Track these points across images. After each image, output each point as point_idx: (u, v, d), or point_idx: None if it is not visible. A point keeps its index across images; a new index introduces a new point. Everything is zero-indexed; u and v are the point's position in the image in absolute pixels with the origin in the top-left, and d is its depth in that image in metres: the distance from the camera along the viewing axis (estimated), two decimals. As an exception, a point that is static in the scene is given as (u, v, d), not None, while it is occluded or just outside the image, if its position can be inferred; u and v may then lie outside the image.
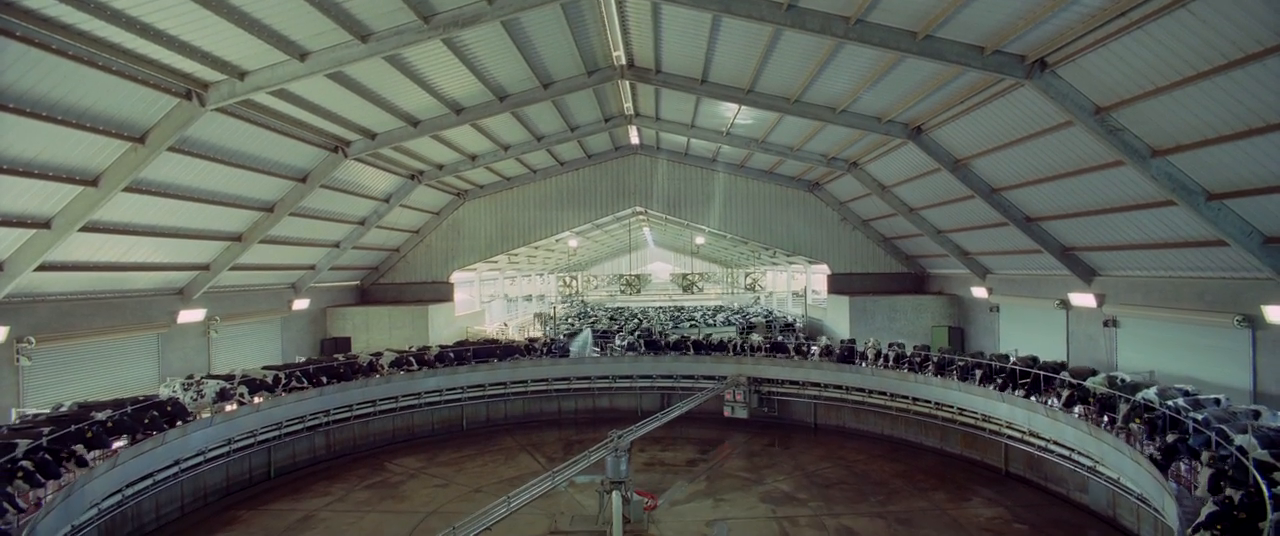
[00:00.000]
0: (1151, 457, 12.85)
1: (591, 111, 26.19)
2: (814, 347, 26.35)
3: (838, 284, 33.98)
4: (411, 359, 25.60)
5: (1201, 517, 9.52)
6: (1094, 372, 17.37)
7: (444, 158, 27.07)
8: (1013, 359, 20.11)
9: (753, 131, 26.32)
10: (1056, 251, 20.74)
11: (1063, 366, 18.64)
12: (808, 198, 33.74)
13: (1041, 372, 18.18)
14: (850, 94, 19.03)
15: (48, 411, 15.58)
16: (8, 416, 15.99)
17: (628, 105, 26.20)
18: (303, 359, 24.84)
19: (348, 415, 23.36)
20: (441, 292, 34.65)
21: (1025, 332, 25.11)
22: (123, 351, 20.16)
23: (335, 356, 25.01)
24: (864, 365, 24.36)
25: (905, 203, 26.96)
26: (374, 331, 31.13)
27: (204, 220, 19.82)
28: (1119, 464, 14.41)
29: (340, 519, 17.22)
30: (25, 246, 15.09)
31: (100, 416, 14.86)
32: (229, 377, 19.90)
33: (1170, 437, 12.60)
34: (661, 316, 42.96)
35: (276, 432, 20.76)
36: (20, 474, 12.06)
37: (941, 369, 21.73)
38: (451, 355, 26.70)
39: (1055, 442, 17.37)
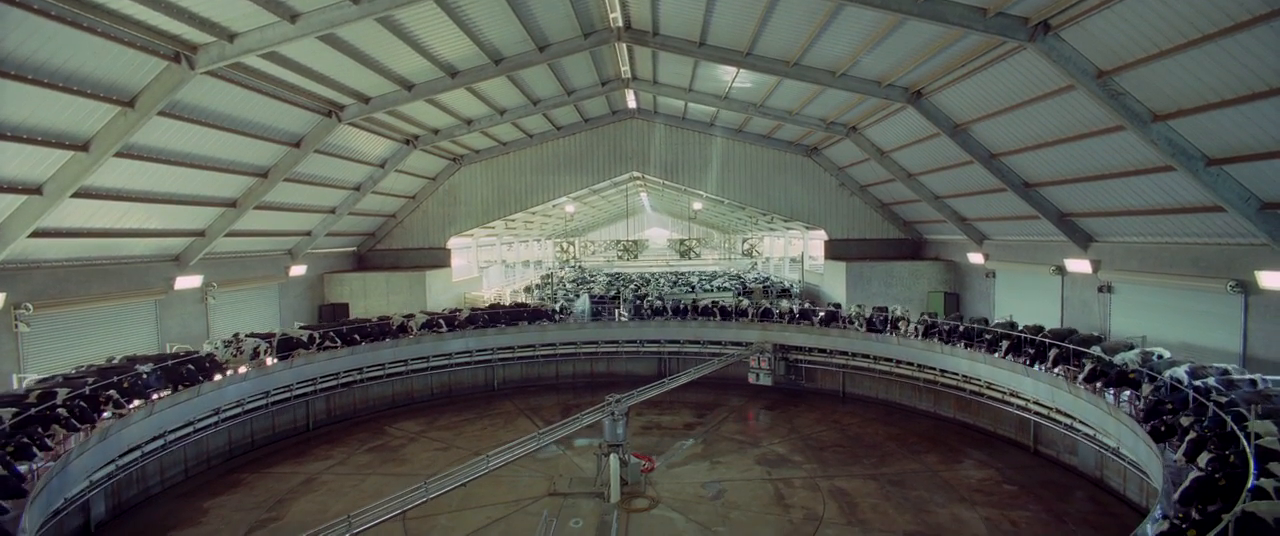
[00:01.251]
0: (1155, 429, 12.26)
1: (588, 75, 25.81)
2: (849, 314, 25.39)
3: (835, 250, 34.02)
4: (441, 321, 26.25)
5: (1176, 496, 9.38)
6: (1129, 347, 16.20)
7: (439, 122, 26.76)
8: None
9: (751, 95, 26.00)
10: (1054, 217, 20.73)
11: (1097, 340, 17.60)
12: (805, 163, 33.53)
13: (1075, 348, 16.82)
14: (850, 57, 18.75)
15: (102, 363, 17.01)
16: (9, 382, 16.09)
17: (625, 68, 25.81)
18: (301, 324, 24.96)
19: (380, 373, 24.50)
20: (438, 258, 34.64)
21: (1020, 298, 25.26)
22: (121, 317, 20.20)
23: (367, 319, 26.34)
24: (893, 335, 23.45)
25: (904, 168, 26.81)
26: (372, 297, 31.20)
27: (198, 186, 19.67)
28: (1134, 446, 13.77)
29: (342, 481, 17.50)
30: (17, 212, 14.98)
31: (144, 369, 16.18)
32: (268, 336, 21.27)
33: (1186, 420, 11.70)
34: (660, 282, 43.00)
35: (312, 388, 22.11)
36: (57, 418, 12.96)
37: (969, 339, 20.67)
38: (483, 318, 27.45)
39: (1080, 421, 16.54)
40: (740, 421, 22.57)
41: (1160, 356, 15.18)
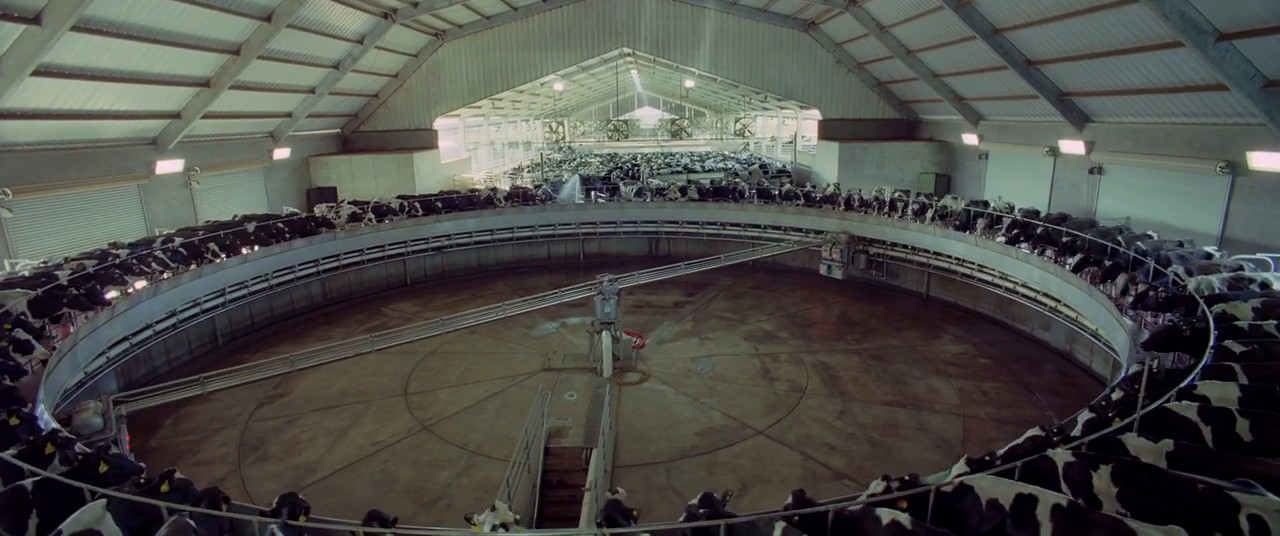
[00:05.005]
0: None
1: (574, -61, 24.07)
2: (929, 207, 21.99)
3: (828, 130, 33.48)
4: (521, 194, 28.06)
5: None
6: (1236, 268, 12.95)
7: (416, -7, 25.21)
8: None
9: (748, -37, 24.48)
10: (1053, 97, 20.30)
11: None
12: (802, 38, 32.19)
13: (1157, 267, 13.27)
14: (855, -80, 17.49)
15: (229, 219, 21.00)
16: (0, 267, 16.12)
17: (613, -68, 24.06)
18: (289, 209, 24.82)
19: (467, 241, 26.78)
20: (425, 140, 33.85)
21: (1011, 180, 25.28)
22: (104, 202, 19.94)
23: (455, 191, 29.03)
24: (971, 234, 20.04)
25: (903, 44, 25.84)
26: (359, 180, 30.77)
27: (167, 64, 18.73)
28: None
29: (342, 360, 18.03)
30: (-21, 93, 14.33)
31: (250, 226, 20.02)
32: (364, 204, 24.37)
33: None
34: (648, 165, 42.50)
35: (402, 249, 25.06)
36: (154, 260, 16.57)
37: (1053, 242, 16.96)
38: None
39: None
40: (729, 299, 23.16)
41: (1262, 285, 11.68)
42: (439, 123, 34.59)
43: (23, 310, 11.97)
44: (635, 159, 45.60)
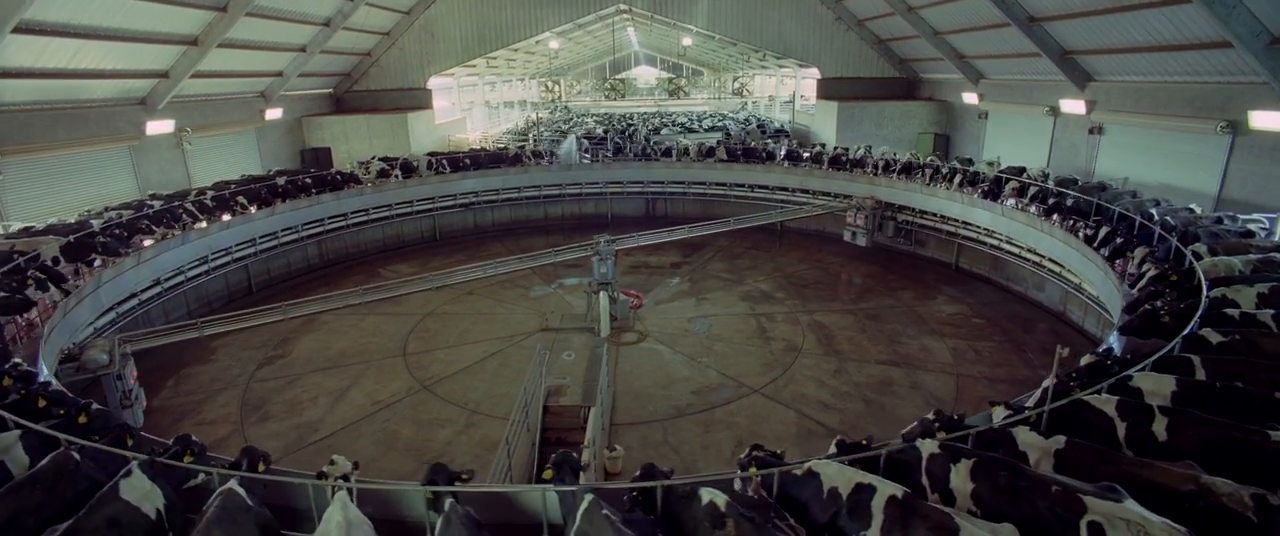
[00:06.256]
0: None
1: (568, -110, 23.35)
2: (959, 172, 20.61)
3: (827, 89, 33.07)
4: (548, 154, 28.31)
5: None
6: (1251, 235, 12.55)
7: (407, -54, 24.55)
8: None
9: (747, -85, 23.81)
10: (1056, 55, 20.03)
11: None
12: (803, -7, 31.55)
13: (1179, 245, 11.93)
14: None
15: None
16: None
17: (609, -118, 23.32)
18: (276, 169, 24.59)
19: (494, 199, 26.79)
20: (419, 99, 33.38)
21: (1010, 140, 25.13)
22: (96, 164, 19.76)
23: (484, 148, 29.53)
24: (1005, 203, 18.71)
25: (904, 0, 25.34)
26: (353, 141, 30.43)
27: (152, 20, 18.32)
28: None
29: (342, 320, 18.13)
30: (-39, 50, 14.05)
31: (281, 181, 21.10)
32: (392, 160, 24.92)
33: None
34: (646, 124, 42.02)
35: (430, 205, 25.30)
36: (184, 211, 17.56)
37: (1078, 212, 15.98)
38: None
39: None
40: (726, 260, 23.19)
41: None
42: (433, 82, 34.07)
43: (56, 254, 13.05)
44: (631, 118, 45.05)
